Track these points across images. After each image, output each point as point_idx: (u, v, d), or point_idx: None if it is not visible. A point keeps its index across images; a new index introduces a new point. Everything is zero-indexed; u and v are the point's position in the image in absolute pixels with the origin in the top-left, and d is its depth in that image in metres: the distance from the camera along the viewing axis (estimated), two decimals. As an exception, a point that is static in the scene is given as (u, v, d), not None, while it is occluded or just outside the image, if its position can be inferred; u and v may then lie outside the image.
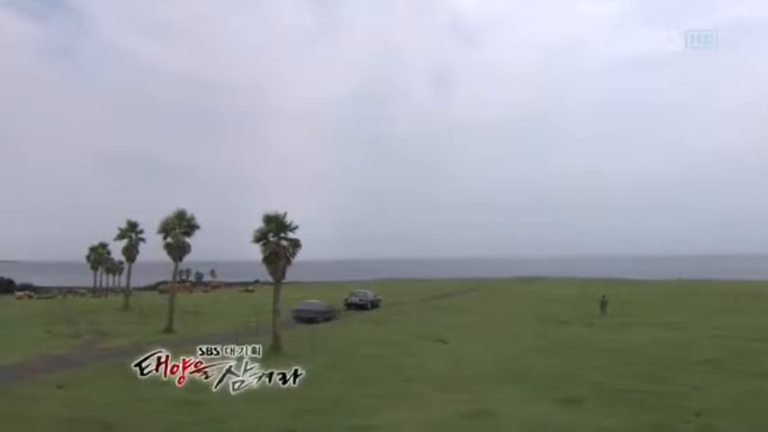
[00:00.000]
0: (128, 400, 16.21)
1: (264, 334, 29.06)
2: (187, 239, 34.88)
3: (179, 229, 34.20)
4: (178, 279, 39.41)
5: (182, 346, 25.93)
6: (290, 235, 26.83)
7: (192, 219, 34.55)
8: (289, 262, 27.08)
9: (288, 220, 26.65)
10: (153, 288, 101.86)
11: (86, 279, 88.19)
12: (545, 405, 15.96)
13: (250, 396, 16.92)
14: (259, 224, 26.68)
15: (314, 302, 41.13)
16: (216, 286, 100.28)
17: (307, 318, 37.99)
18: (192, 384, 18.41)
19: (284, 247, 26.67)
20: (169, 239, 34.29)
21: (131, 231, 47.29)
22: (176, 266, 37.04)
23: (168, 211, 34.22)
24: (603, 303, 44.14)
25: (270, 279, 28.56)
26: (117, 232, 47.28)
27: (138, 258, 49.11)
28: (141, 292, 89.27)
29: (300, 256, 27.97)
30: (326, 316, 39.47)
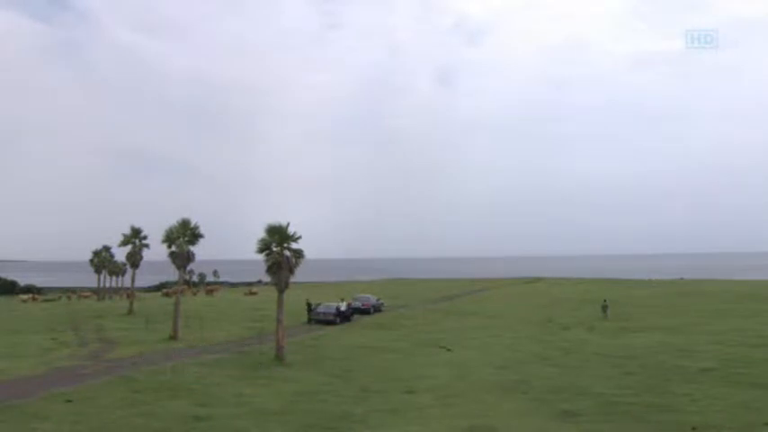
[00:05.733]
0: (135, 415, 16.48)
1: (269, 341, 29.43)
2: (191, 248, 35.13)
3: (183, 238, 34.44)
4: (182, 281, 39.59)
5: (188, 356, 26.48)
6: (293, 245, 27.14)
7: (197, 228, 34.75)
8: (292, 272, 27.37)
9: (291, 230, 26.96)
10: (156, 289, 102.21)
11: (89, 278, 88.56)
12: (544, 419, 16.22)
13: (257, 411, 17.31)
14: (262, 224, 27.09)
15: (330, 305, 43.73)
16: (218, 288, 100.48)
17: (324, 320, 41.09)
18: (200, 398, 18.81)
19: (287, 257, 26.98)
20: (173, 248, 34.53)
21: (135, 237, 47.51)
22: (181, 275, 37.35)
23: (170, 209, 34.52)
24: (605, 307, 44.43)
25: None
26: (121, 238, 47.48)
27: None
28: (145, 293, 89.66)
29: (306, 255, 28.26)
30: (345, 315, 42.92)
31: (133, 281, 51.68)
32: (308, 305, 42.64)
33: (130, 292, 52.78)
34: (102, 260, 75.08)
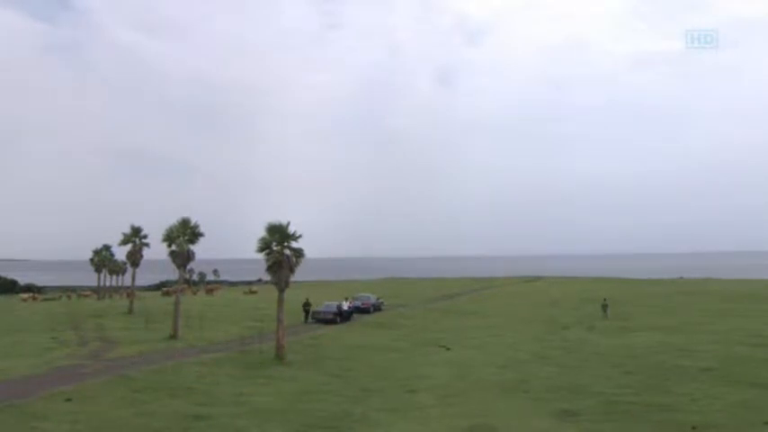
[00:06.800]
0: (135, 415, 16.48)
1: (270, 340, 29.42)
2: (191, 246, 35.08)
3: (183, 237, 34.37)
4: (182, 281, 39.52)
5: (188, 355, 26.47)
6: (294, 244, 27.14)
7: (197, 226, 34.67)
8: (292, 271, 27.39)
9: (291, 229, 26.98)
10: (157, 288, 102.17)
11: (89, 277, 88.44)
12: (543, 418, 16.22)
13: (257, 411, 17.30)
14: (262, 223, 27.15)
15: (330, 304, 43.95)
16: (219, 287, 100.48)
17: (324, 320, 41.08)
18: (200, 398, 18.81)
19: (288, 256, 26.98)
20: (173, 247, 34.48)
21: (135, 236, 47.38)
22: (181, 274, 37.32)
23: (170, 209, 34.49)
24: (605, 306, 44.42)
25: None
26: (121, 237, 47.34)
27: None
28: (145, 292, 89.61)
29: (306, 254, 28.26)
30: (344, 315, 42.70)
31: (133, 280, 51.62)
32: (308, 304, 42.56)
33: (130, 292, 52.75)
34: (102, 259, 74.98)
